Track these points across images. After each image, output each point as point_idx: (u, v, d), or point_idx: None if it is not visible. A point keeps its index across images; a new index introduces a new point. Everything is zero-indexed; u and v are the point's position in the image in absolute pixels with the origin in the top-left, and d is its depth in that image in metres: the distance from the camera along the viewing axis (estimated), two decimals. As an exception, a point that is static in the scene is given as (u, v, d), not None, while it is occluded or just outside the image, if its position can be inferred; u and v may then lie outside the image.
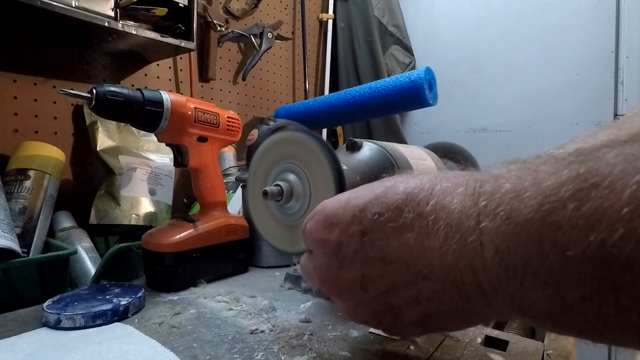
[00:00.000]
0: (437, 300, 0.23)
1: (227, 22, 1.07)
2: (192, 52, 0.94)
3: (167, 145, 0.56)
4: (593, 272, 0.16)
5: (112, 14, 0.67)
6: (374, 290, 0.24)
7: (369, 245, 0.23)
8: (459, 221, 0.20)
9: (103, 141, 0.76)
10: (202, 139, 0.58)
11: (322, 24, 1.44)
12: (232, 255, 0.60)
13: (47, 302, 0.44)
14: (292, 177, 0.37)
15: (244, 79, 1.13)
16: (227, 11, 1.09)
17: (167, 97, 0.52)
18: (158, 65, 0.92)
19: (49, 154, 0.65)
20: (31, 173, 0.62)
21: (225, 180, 0.74)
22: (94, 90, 0.46)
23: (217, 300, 0.49)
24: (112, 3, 0.67)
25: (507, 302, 0.20)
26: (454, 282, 0.21)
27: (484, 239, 0.19)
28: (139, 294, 0.46)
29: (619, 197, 0.15)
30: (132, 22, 0.72)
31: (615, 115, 1.09)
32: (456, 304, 0.22)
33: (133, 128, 0.80)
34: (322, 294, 0.50)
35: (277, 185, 0.37)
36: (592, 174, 0.16)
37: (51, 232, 0.66)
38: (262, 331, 0.40)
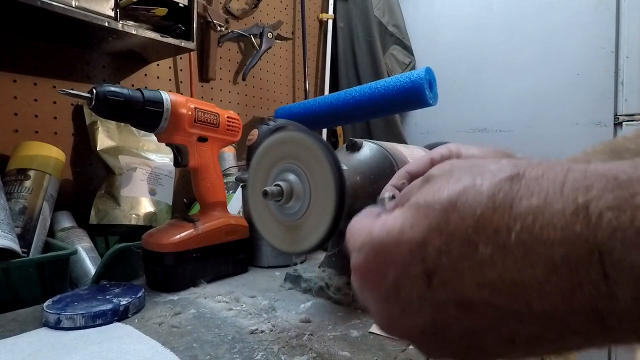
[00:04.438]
0: (538, 341, 0.17)
1: (227, 22, 1.07)
2: (192, 52, 0.94)
3: (167, 145, 0.56)
4: None
5: (112, 14, 0.67)
6: (452, 333, 0.19)
7: (439, 289, 0.18)
8: (566, 252, 0.15)
9: (103, 141, 0.76)
10: (202, 139, 0.58)
11: (322, 24, 1.44)
12: (232, 255, 0.60)
13: (47, 302, 0.44)
14: (292, 177, 0.37)
15: (244, 79, 1.13)
16: (227, 11, 1.09)
17: (167, 97, 0.52)
18: (158, 65, 0.92)
19: (49, 154, 0.65)
20: (31, 173, 0.62)
21: (225, 180, 0.74)
22: (94, 90, 0.46)
23: (217, 300, 0.49)
24: (112, 3, 0.67)
25: None
26: (565, 323, 0.16)
27: (615, 276, 0.14)
28: (139, 294, 0.46)
29: None
30: (132, 22, 0.72)
31: (615, 115, 1.09)
32: (566, 343, 0.17)
33: (133, 128, 0.80)
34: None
35: (277, 185, 0.37)
36: None
37: (51, 232, 0.66)
38: (262, 331, 0.40)
